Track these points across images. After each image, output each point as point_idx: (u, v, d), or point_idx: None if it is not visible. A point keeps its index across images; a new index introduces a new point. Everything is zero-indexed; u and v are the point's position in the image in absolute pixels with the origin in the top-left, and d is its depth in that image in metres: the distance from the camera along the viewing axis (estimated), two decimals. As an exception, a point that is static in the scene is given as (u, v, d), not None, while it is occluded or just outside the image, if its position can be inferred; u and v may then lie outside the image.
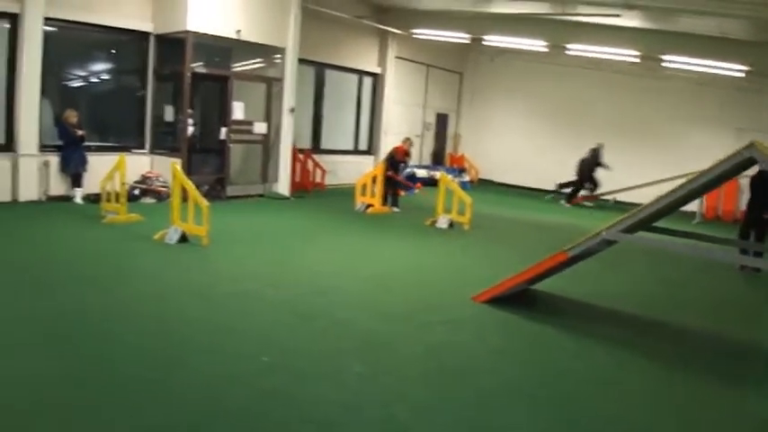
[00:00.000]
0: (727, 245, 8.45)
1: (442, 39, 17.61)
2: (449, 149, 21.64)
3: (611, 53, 15.76)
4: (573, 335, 6.11)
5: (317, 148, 16.39)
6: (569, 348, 5.75)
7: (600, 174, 17.04)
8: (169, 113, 12.45)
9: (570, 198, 17.29)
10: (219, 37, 12.02)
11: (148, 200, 11.30)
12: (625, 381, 5.13)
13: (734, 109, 17.35)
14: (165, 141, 12.44)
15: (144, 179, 11.65)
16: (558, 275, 7.11)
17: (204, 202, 8.20)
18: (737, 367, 5.72)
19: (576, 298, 7.50)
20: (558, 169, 18.68)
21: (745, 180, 12.61)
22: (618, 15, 13.52)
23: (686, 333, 6.77)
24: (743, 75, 14.82)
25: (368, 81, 17.98)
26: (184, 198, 8.38)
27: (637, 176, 16.79)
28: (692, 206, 16.68)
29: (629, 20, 14.12)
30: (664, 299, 8.10)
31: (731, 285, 9.23)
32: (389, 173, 12.63)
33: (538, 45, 16.57)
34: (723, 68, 14.75)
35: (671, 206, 6.35)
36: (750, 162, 5.55)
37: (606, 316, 7.06)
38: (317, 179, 15.55)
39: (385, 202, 12.72)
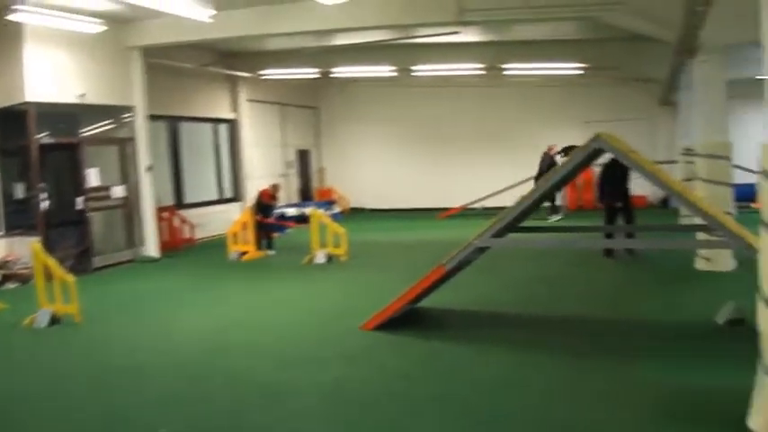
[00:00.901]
0: (593, 232, 8.83)
1: (292, 77, 17.67)
2: (316, 184, 21.64)
3: (455, 69, 16.34)
4: (466, 344, 6.21)
5: (181, 203, 15.90)
6: (466, 357, 5.85)
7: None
8: (20, 190, 11.70)
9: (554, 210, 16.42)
10: (63, 104, 11.46)
11: (12, 285, 10.54)
12: (528, 378, 5.28)
13: (579, 104, 18.59)
14: (20, 220, 11.66)
15: (3, 264, 10.86)
16: (441, 289, 7.20)
17: (70, 278, 7.73)
18: (625, 343, 6.11)
19: (463, 308, 7.67)
20: (428, 187, 19.17)
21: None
22: (456, 33, 14.04)
23: (570, 322, 7.08)
24: (582, 72, 15.77)
25: (223, 128, 17.70)
26: (49, 277, 7.86)
27: (500, 180, 17.42)
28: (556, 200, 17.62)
29: (469, 35, 14.77)
30: (543, 294, 8.45)
31: (604, 271, 9.74)
32: (258, 217, 12.45)
33: (386, 71, 16.94)
34: (563, 68, 15.65)
35: (535, 204, 6.61)
36: (597, 152, 5.88)
37: (493, 320, 7.25)
38: (187, 235, 15.06)
39: (259, 246, 12.50)
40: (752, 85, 8.73)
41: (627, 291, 8.52)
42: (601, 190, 10.64)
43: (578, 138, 18.51)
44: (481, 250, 6.89)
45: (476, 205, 18.34)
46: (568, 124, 18.36)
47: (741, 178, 17.85)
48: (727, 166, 9.48)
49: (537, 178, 15.86)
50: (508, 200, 17.85)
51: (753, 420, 4.00)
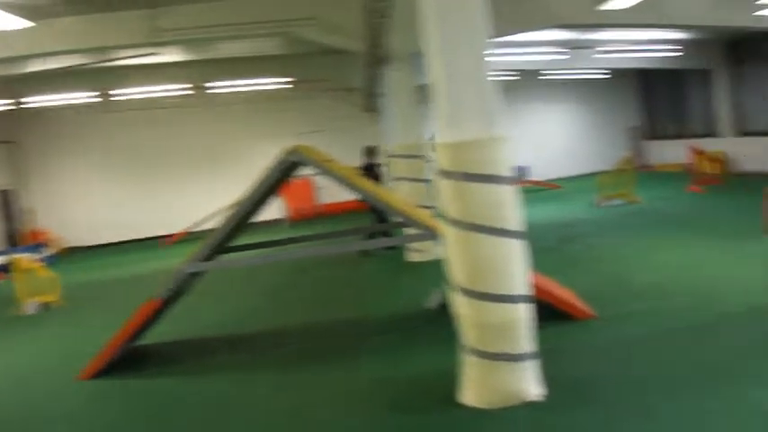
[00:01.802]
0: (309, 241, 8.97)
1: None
2: (24, 227, 19.65)
3: (160, 90, 15.87)
4: (189, 375, 6.06)
5: None
6: (185, 390, 5.69)
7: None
8: None
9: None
10: None
11: None
12: (252, 396, 5.30)
13: (291, 117, 19.15)
14: None
15: None
16: (163, 321, 6.95)
17: None
18: (346, 343, 6.43)
19: (187, 337, 7.44)
20: (149, 215, 18.42)
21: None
22: (154, 54, 13.64)
23: (294, 332, 7.23)
24: (289, 86, 16.16)
25: None
26: None
27: (221, 199, 17.20)
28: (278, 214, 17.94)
29: (172, 56, 14.41)
30: (267, 309, 8.53)
31: (329, 275, 10.09)
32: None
33: (85, 97, 15.92)
34: (270, 83, 15.92)
35: (243, 221, 6.63)
36: (295, 165, 6.05)
37: (216, 345, 7.11)
38: None
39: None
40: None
41: (349, 291, 8.91)
42: None
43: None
44: (196, 275, 6.75)
45: (203, 227, 17.98)
46: (282, 137, 18.70)
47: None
48: (421, 164, 10.34)
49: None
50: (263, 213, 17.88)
51: (463, 396, 4.44)
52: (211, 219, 17.32)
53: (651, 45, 16.32)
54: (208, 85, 16.00)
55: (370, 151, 11.36)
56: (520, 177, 19.93)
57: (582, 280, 7.60)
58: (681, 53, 16.96)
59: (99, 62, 14.49)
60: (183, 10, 10.39)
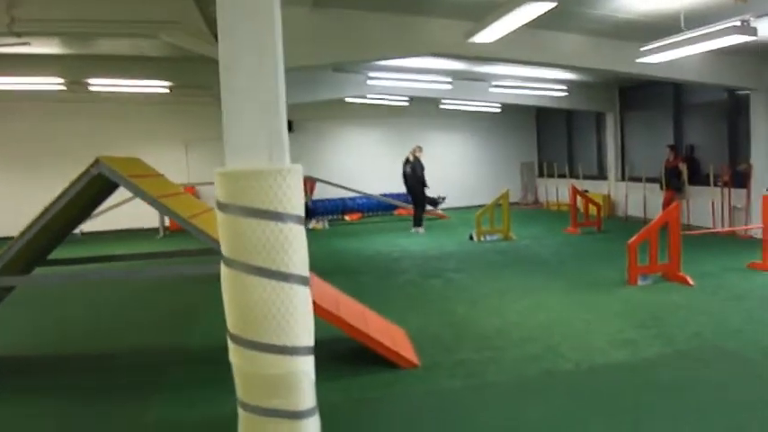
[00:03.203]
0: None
1: None
2: None
3: (34, 83, 14.86)
4: None
5: None
6: None
7: None
8: None
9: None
10: None
11: None
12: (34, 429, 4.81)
13: (180, 123, 18.31)
14: None
15: None
16: None
17: None
18: (144, 378, 5.78)
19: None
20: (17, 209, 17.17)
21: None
22: (28, 44, 12.71)
23: (109, 358, 6.60)
24: (169, 90, 15.40)
25: None
26: None
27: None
28: (155, 222, 17.10)
29: (48, 47, 13.52)
30: (96, 328, 7.86)
31: (179, 294, 9.44)
32: None
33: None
34: (149, 86, 15.15)
35: (47, 233, 5.99)
36: (102, 177, 5.48)
37: (25, 366, 6.46)
38: None
39: None
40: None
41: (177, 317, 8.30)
42: None
43: (179, 158, 18.65)
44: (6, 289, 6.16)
45: (74, 230, 16.91)
46: (170, 143, 18.01)
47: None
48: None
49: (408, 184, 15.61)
50: (113, 223, 16.96)
51: None
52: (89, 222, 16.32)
53: (542, 83, 16.45)
54: (86, 81, 15.05)
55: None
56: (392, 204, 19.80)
57: (426, 320, 7.34)
58: (567, 93, 17.19)
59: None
60: (42, 1, 9.63)
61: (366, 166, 20.97)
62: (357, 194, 19.52)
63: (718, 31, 7.72)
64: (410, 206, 19.39)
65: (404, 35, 9.68)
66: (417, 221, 15.52)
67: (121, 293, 9.61)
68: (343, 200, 20.02)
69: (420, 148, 15.86)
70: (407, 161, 15.66)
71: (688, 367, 5.47)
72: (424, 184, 15.65)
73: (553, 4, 6.71)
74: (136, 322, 8.06)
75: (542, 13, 6.94)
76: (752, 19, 7.71)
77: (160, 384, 5.60)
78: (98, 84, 15.04)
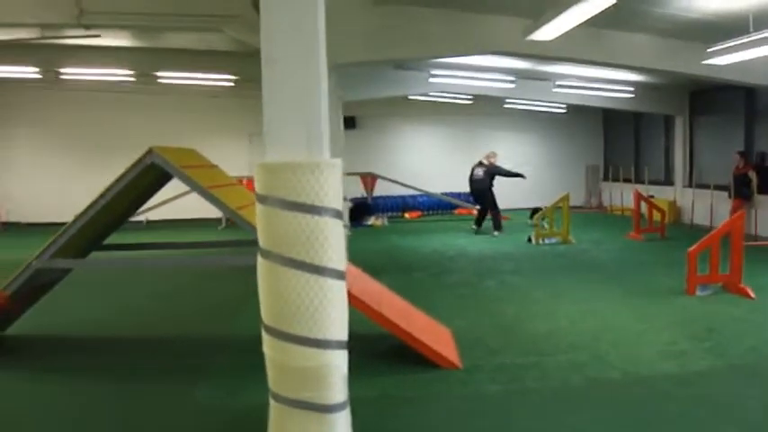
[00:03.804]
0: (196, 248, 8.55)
1: None
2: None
3: (107, 73, 15.37)
4: (37, 375, 5.74)
5: None
6: (20, 393, 5.35)
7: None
8: None
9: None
10: None
11: None
12: (79, 407, 4.99)
13: (244, 115, 18.58)
14: None
15: None
16: (38, 311, 6.83)
17: None
18: (193, 363, 5.98)
19: (53, 334, 7.05)
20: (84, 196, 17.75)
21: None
22: (98, 36, 13.13)
23: (158, 343, 6.79)
24: (233, 84, 15.69)
25: None
26: None
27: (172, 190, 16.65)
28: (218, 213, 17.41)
29: (118, 40, 13.94)
30: (152, 313, 8.07)
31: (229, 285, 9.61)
32: None
33: (29, 72, 15.36)
34: (216, 79, 15.47)
35: (103, 220, 6.17)
36: (154, 166, 5.60)
37: (80, 346, 6.73)
38: None
39: None
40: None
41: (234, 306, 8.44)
42: None
43: (242, 150, 18.97)
44: (61, 270, 6.43)
45: (140, 218, 17.44)
46: (234, 136, 18.36)
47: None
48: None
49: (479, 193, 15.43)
50: (179, 212, 17.39)
51: None
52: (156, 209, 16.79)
53: (607, 84, 16.07)
54: (155, 73, 15.48)
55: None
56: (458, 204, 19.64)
57: (474, 321, 7.26)
58: (633, 95, 16.73)
59: (43, 38, 13.98)
60: (109, -7, 9.95)
61: (428, 163, 20.91)
62: (418, 192, 19.47)
63: (788, 33, 7.38)
64: (471, 206, 19.33)
65: (463, 32, 9.59)
66: (497, 225, 15.15)
67: (176, 281, 9.84)
68: (403, 197, 19.99)
69: (495, 154, 15.73)
70: (480, 164, 15.44)
71: (740, 383, 5.22)
72: (517, 175, 15.52)
73: (612, 1, 6.52)
74: (187, 309, 8.27)
75: (602, 9, 6.75)
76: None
77: (206, 371, 5.74)
78: (167, 76, 15.43)
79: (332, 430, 3.88)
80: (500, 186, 20.78)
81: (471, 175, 15.46)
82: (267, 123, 3.81)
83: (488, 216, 15.38)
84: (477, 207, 16.12)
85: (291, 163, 3.68)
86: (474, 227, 15.57)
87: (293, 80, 3.77)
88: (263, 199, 3.77)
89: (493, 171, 15.23)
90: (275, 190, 3.71)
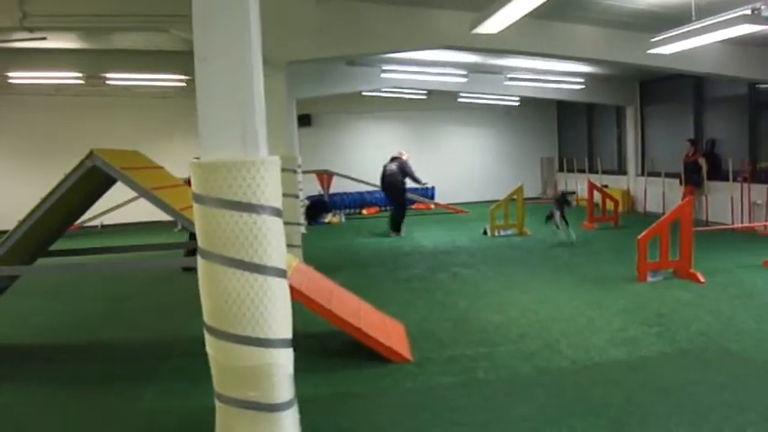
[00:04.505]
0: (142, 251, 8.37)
1: None
2: None
3: (52, 77, 15.06)
4: None
5: None
6: None
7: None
8: None
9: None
10: None
11: None
12: (27, 414, 4.96)
13: (195, 116, 18.17)
14: None
15: None
16: None
17: None
18: (135, 368, 5.94)
19: (1, 341, 6.99)
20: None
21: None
22: (44, 38, 12.85)
23: (107, 348, 6.71)
24: (185, 84, 15.50)
25: None
26: None
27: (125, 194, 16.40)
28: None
29: (66, 42, 13.68)
30: (101, 318, 7.96)
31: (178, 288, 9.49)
32: None
33: (-28, 76, 14.97)
34: (167, 80, 15.27)
35: (46, 225, 6.04)
36: (96, 169, 5.49)
37: (27, 354, 6.61)
38: None
39: None
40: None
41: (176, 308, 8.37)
42: None
43: (194, 150, 18.65)
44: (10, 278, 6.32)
45: (94, 222, 17.17)
46: (186, 137, 18.11)
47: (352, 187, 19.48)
48: (294, 177, 9.86)
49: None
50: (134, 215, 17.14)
51: None
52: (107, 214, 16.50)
53: (558, 76, 16.26)
54: (104, 75, 15.21)
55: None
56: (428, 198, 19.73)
57: (426, 315, 7.30)
58: (583, 86, 16.97)
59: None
60: (52, -4, 9.74)
61: (384, 159, 20.86)
62: (375, 188, 19.43)
63: (727, 20, 7.53)
64: (428, 201, 19.38)
65: (411, 28, 9.62)
66: (396, 226, 14.52)
67: (128, 285, 9.70)
68: (361, 194, 19.98)
69: (407, 152, 15.25)
70: (393, 159, 14.75)
71: (688, 368, 5.31)
72: (417, 181, 14.91)
73: (553, -8, 6.59)
74: (139, 313, 8.16)
75: (546, 1, 6.78)
76: (764, 8, 7.49)
77: (155, 375, 5.66)
78: (115, 78, 15.18)
79: (279, 429, 3.86)
80: (455, 180, 21.00)
81: (384, 171, 14.64)
82: (201, 122, 3.77)
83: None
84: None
85: (227, 161, 3.64)
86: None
87: (226, 77, 3.73)
88: (200, 198, 3.72)
89: (404, 168, 14.57)
90: (212, 189, 3.67)
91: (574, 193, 18.56)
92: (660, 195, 15.77)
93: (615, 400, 4.63)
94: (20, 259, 6.29)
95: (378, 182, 18.50)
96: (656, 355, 5.64)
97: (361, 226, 16.50)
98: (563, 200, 11.88)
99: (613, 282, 8.60)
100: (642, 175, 17.25)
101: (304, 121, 19.59)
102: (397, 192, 14.54)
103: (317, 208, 17.31)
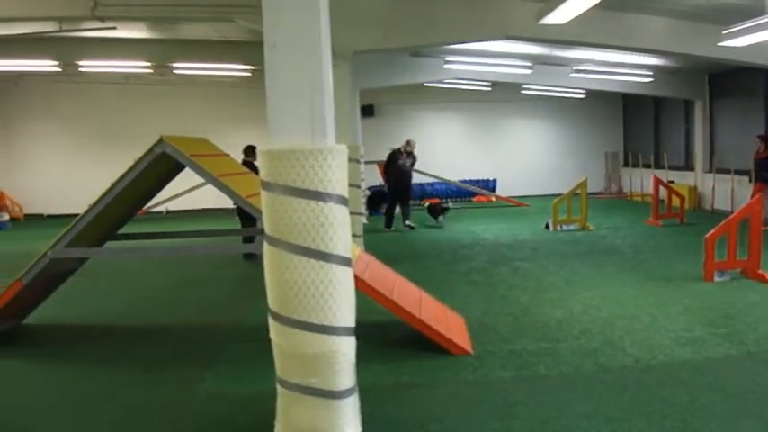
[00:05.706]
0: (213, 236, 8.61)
1: None
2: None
3: (122, 66, 15.50)
4: (51, 362, 5.87)
5: None
6: (34, 380, 5.48)
7: None
8: None
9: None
10: None
11: None
12: (91, 394, 5.10)
13: (260, 106, 18.49)
14: None
15: None
16: (56, 301, 7.03)
17: None
18: (200, 351, 6.07)
19: (70, 323, 7.19)
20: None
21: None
22: (114, 28, 13.22)
23: (171, 331, 6.89)
24: (250, 74, 15.74)
25: None
26: None
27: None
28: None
29: (134, 32, 14.04)
30: (165, 302, 8.16)
31: (242, 274, 9.66)
32: None
33: (48, 65, 15.50)
34: (232, 69, 15.53)
35: (115, 210, 6.22)
36: (165, 156, 5.63)
37: (95, 335, 6.82)
38: None
39: None
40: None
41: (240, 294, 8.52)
42: None
43: (260, 138, 18.95)
44: (79, 260, 6.55)
45: (160, 208, 17.65)
46: (251, 126, 18.36)
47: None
48: (357, 168, 9.91)
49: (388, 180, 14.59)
50: (199, 203, 17.56)
51: (276, 428, 4.00)
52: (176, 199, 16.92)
53: (625, 69, 15.88)
54: (171, 64, 15.56)
55: (250, 150, 10.93)
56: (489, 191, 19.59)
57: (487, 308, 7.26)
58: (652, 79, 16.52)
59: (60, 31, 14.08)
60: (122, -14, 10.03)
61: (446, 151, 20.83)
62: (436, 180, 19.38)
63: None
64: (488, 193, 19.24)
65: (476, 17, 9.54)
66: (389, 221, 14.34)
67: (193, 270, 9.93)
68: (421, 185, 19.90)
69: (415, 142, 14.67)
70: (408, 154, 14.29)
71: (756, 371, 5.12)
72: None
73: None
74: (203, 298, 8.33)
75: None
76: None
77: (216, 359, 5.78)
78: (183, 67, 15.50)
79: (339, 416, 3.89)
80: (517, 173, 20.77)
81: (400, 166, 14.20)
82: (271, 110, 3.81)
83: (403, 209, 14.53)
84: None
85: (295, 149, 3.68)
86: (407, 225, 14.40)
87: (296, 65, 3.77)
88: (268, 186, 3.77)
89: (414, 160, 14.37)
90: (280, 177, 3.71)
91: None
92: (729, 192, 15.26)
93: (679, 401, 4.51)
94: (89, 242, 6.50)
95: (441, 174, 18.52)
96: (722, 357, 5.47)
97: (420, 217, 16.45)
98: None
99: (678, 280, 8.37)
100: (710, 171, 16.72)
101: (367, 111, 19.65)
102: (410, 188, 14.77)
103: (377, 198, 17.36)
